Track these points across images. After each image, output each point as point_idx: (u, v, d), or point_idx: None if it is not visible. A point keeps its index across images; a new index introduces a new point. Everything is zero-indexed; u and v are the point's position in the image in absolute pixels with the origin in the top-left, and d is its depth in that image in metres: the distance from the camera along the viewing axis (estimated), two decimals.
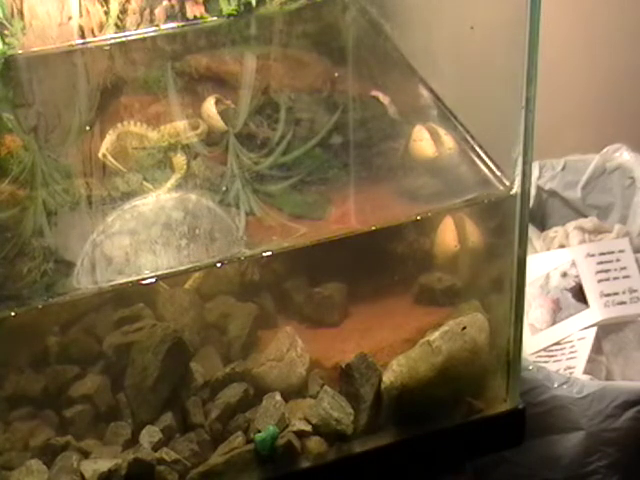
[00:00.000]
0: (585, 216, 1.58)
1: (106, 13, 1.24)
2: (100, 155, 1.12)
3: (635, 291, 1.45)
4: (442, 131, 1.17)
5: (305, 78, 1.24)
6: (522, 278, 1.12)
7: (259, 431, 1.07)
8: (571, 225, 1.54)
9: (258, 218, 1.08)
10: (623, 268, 1.48)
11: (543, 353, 1.42)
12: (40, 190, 1.09)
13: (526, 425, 1.19)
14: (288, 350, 1.12)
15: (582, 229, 1.53)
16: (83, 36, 1.25)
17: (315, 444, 1.09)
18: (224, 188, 1.10)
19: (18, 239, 1.04)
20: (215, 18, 1.29)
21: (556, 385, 1.29)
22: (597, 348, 1.40)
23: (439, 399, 1.12)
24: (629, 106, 1.77)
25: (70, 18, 1.24)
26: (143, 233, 1.05)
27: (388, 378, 1.10)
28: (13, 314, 0.99)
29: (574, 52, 1.68)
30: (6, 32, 1.21)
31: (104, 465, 1.03)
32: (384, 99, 1.21)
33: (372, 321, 1.17)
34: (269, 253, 1.06)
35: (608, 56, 1.70)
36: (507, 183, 1.09)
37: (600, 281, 1.46)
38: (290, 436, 1.08)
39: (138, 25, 1.26)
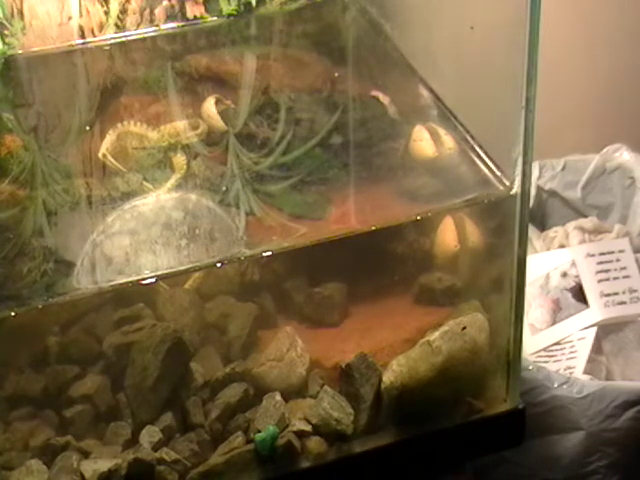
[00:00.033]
0: (585, 216, 1.58)
1: (106, 13, 1.24)
2: (100, 155, 1.12)
3: (635, 291, 1.45)
4: (442, 131, 1.17)
5: (305, 78, 1.24)
6: (522, 278, 1.12)
7: (259, 431, 1.07)
8: (571, 225, 1.54)
9: (258, 218, 1.08)
10: (623, 268, 1.48)
11: (543, 353, 1.42)
12: (40, 190, 1.09)
13: (526, 425, 1.19)
14: (288, 350, 1.12)
15: (582, 229, 1.53)
16: (83, 36, 1.25)
17: (315, 444, 1.09)
18: (224, 188, 1.10)
19: (18, 239, 1.04)
20: (215, 18, 1.29)
21: (556, 385, 1.29)
22: (597, 348, 1.40)
23: (439, 399, 1.12)
24: (629, 106, 1.77)
25: (70, 18, 1.24)
26: (143, 233, 1.05)
27: (388, 378, 1.10)
28: (13, 314, 0.99)
29: (574, 52, 1.68)
30: (6, 32, 1.21)
31: (104, 465, 1.03)
32: (384, 99, 1.21)
33: (372, 321, 1.17)
34: (269, 253, 1.06)
35: (608, 56, 1.70)
36: (507, 183, 1.09)
37: (600, 281, 1.46)
38: (290, 436, 1.08)
39: (138, 25, 1.26)
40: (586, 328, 1.42)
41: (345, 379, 1.11)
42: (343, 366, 1.11)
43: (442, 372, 1.10)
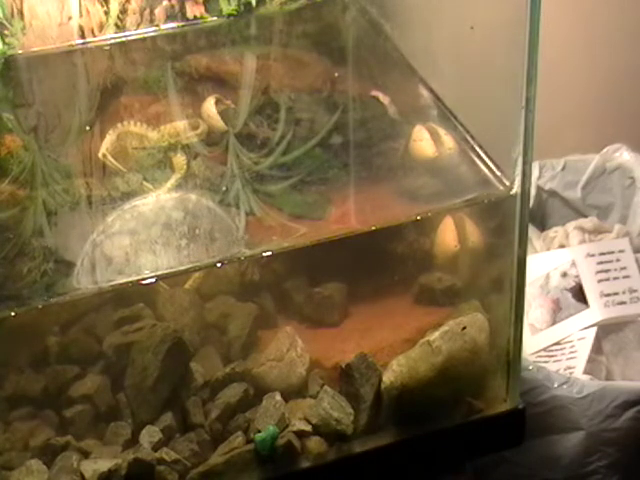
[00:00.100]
0: (585, 216, 1.58)
1: (106, 13, 1.24)
2: (100, 155, 1.12)
3: (635, 291, 1.45)
4: (442, 131, 1.17)
5: (305, 78, 1.24)
6: (522, 278, 1.12)
7: (259, 431, 1.07)
8: (571, 225, 1.54)
9: (258, 218, 1.08)
10: (623, 268, 1.48)
11: (543, 353, 1.42)
12: (40, 190, 1.09)
13: (526, 425, 1.19)
14: (288, 350, 1.12)
15: (582, 229, 1.53)
16: (83, 36, 1.25)
17: (315, 444, 1.09)
18: (224, 188, 1.10)
19: (18, 239, 1.04)
20: (215, 18, 1.29)
21: (556, 385, 1.29)
22: (597, 348, 1.40)
23: (439, 399, 1.12)
24: (629, 106, 1.77)
25: (70, 18, 1.24)
26: (143, 233, 1.05)
27: (388, 378, 1.10)
28: (13, 314, 0.99)
29: (574, 52, 1.68)
30: (6, 32, 1.21)
31: (104, 465, 1.03)
32: (384, 99, 1.21)
33: (372, 321, 1.17)
34: (269, 253, 1.06)
35: (608, 56, 1.70)
36: (507, 183, 1.09)
37: (600, 281, 1.46)
38: (290, 436, 1.08)
39: (138, 25, 1.26)
40: (586, 328, 1.42)
41: (345, 379, 1.11)
42: (343, 366, 1.11)
43: (442, 372, 1.10)
